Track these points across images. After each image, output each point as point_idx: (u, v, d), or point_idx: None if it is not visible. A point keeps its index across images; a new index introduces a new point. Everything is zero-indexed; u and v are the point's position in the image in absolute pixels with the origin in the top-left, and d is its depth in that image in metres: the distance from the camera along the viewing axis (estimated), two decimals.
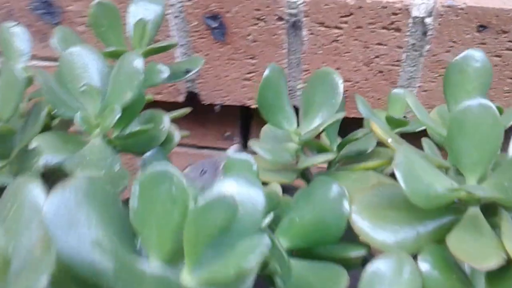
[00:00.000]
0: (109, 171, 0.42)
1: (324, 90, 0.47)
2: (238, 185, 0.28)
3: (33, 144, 0.42)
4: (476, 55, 0.43)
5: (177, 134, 0.52)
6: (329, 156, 0.44)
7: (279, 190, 0.41)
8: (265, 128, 0.51)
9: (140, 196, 0.28)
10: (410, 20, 0.66)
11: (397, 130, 0.52)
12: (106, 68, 0.46)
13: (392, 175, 0.34)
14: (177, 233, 0.27)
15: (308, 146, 0.48)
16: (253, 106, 0.79)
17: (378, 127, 0.40)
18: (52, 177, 0.41)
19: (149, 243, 0.27)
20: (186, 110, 0.61)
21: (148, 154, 0.51)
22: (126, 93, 0.45)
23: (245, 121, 0.89)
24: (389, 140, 0.39)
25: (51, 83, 0.44)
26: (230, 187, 0.27)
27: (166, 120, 0.50)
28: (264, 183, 0.43)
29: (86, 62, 0.45)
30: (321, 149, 0.47)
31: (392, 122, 0.52)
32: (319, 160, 0.43)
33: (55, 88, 0.44)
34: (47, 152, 0.42)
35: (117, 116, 0.43)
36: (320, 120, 0.47)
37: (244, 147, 0.89)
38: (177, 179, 0.28)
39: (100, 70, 0.46)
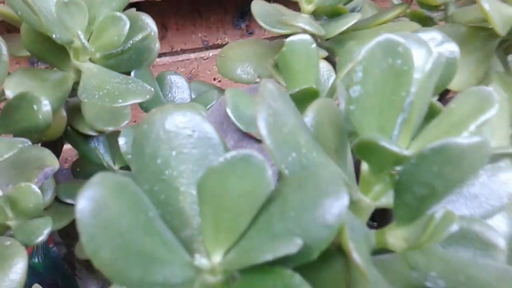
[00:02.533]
0: (126, 87, 0.37)
1: None
2: None
3: None
4: None
5: (158, 44, 0.47)
6: (357, 16, 0.41)
7: None
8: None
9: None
10: None
11: None
12: None
13: None
14: None
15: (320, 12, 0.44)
16: None
17: None
18: None
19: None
20: None
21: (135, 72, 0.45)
22: (114, 1, 0.38)
23: None
24: None
25: None
26: None
27: (151, 24, 0.44)
28: None
29: None
30: (338, 12, 0.43)
31: None
32: (350, 22, 0.40)
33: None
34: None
35: (126, 28, 0.36)
36: None
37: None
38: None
39: None
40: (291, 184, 0.22)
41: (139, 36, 0.40)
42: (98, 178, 0.20)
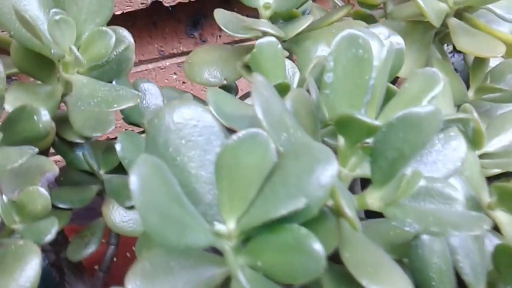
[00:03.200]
0: (117, 93, 0.40)
1: None
2: None
3: None
4: None
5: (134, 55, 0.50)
6: (310, 18, 0.46)
7: None
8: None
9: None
10: None
11: None
12: None
13: None
14: None
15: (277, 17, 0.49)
16: None
17: None
18: None
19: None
20: None
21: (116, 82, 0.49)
22: (100, 12, 0.41)
23: None
24: None
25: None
26: None
27: (128, 36, 0.47)
28: None
29: None
30: (292, 16, 0.48)
31: None
32: (305, 24, 0.45)
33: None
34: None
35: (113, 41, 0.40)
36: None
37: None
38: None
39: None
40: (289, 156, 0.27)
41: (122, 47, 0.44)
42: (141, 159, 0.24)
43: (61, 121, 0.50)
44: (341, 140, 0.31)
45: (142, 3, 0.72)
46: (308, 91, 0.35)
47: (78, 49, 0.42)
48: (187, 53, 0.88)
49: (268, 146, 0.26)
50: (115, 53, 0.43)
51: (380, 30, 0.39)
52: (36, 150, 0.38)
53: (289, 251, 0.25)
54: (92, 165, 0.51)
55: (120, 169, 0.53)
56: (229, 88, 0.58)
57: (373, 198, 0.30)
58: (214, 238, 0.27)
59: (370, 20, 0.53)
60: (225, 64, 0.54)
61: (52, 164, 0.43)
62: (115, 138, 0.48)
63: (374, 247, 0.30)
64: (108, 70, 0.47)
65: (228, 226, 0.27)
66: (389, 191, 0.29)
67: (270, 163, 0.26)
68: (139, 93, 0.40)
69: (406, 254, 0.32)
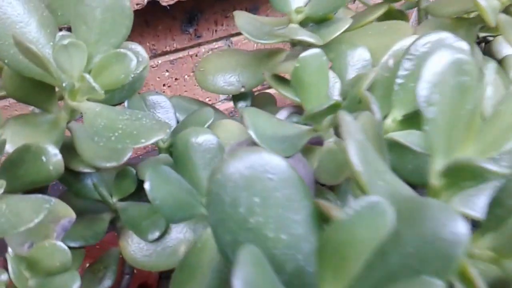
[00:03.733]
0: (141, 123, 0.34)
1: None
2: None
3: None
4: None
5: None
6: (349, 21, 0.40)
7: None
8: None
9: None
10: None
11: None
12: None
13: None
14: None
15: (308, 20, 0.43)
16: None
17: None
18: None
19: None
20: None
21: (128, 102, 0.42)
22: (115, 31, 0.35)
23: None
24: None
25: None
26: None
27: (142, 51, 0.41)
28: None
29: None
30: (326, 19, 0.42)
31: None
32: (343, 27, 0.39)
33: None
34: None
35: (133, 64, 0.33)
36: None
37: None
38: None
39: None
40: (400, 219, 0.22)
41: (140, 68, 0.37)
42: (242, 256, 0.18)
43: (65, 149, 0.43)
44: (435, 180, 0.26)
45: (137, 4, 0.64)
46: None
47: (89, 73, 0.35)
48: (180, 49, 0.81)
49: (388, 216, 0.20)
50: (132, 75, 0.36)
51: (444, 36, 0.33)
52: (53, 201, 0.32)
53: None
54: (105, 196, 0.44)
55: (134, 195, 0.47)
56: (245, 96, 0.52)
57: (482, 248, 0.25)
58: None
59: (401, 17, 0.47)
60: (243, 70, 0.48)
61: (67, 209, 0.36)
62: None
63: None
64: (120, 92, 0.40)
65: None
66: (502, 240, 0.24)
67: (387, 234, 0.21)
68: (167, 122, 0.34)
69: None
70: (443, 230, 0.20)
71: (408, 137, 0.35)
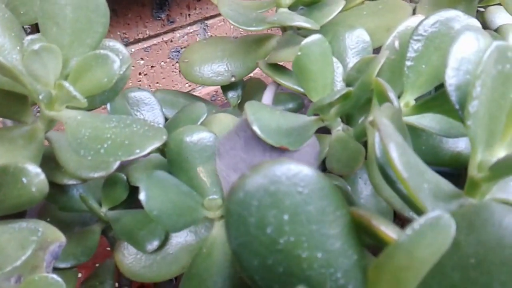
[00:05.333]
0: (131, 131, 0.31)
1: None
2: None
3: None
4: None
5: None
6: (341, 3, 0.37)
7: None
8: None
9: None
10: None
11: None
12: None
13: None
14: None
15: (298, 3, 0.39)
16: None
17: None
18: None
19: None
20: None
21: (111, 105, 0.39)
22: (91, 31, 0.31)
23: None
24: None
25: None
26: None
27: (122, 49, 0.37)
28: None
29: None
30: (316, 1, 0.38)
31: None
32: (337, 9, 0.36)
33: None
34: None
35: (116, 66, 0.30)
36: None
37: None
38: None
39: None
40: (459, 227, 0.19)
41: (123, 68, 0.33)
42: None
43: (44, 160, 0.39)
44: (474, 171, 0.23)
45: None
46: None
47: (65, 80, 0.31)
48: (154, 36, 0.76)
49: (450, 231, 0.17)
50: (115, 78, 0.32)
51: (456, 13, 0.30)
52: (41, 230, 0.28)
53: None
54: (94, 209, 0.40)
55: (125, 201, 0.43)
56: (236, 85, 0.48)
57: None
58: None
59: None
60: (231, 59, 0.44)
61: (55, 232, 0.32)
62: None
63: None
64: (101, 95, 0.36)
65: None
66: None
67: (446, 249, 0.18)
68: (162, 128, 0.30)
69: None
70: (509, 236, 0.18)
71: (422, 120, 0.33)
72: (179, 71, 0.82)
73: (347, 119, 0.37)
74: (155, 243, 0.38)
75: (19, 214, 0.34)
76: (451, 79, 0.24)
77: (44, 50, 0.28)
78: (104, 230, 0.44)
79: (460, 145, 0.35)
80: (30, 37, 0.28)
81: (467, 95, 0.22)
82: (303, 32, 0.41)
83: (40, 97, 0.30)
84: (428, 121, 0.33)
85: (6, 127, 0.35)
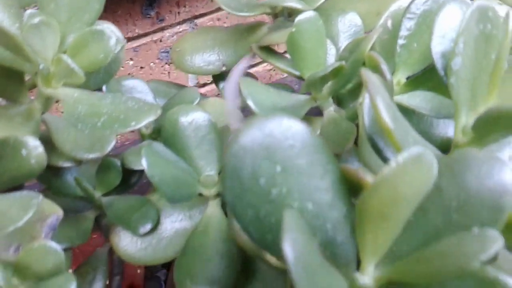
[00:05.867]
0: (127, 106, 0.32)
1: None
2: None
3: None
4: None
5: None
6: None
7: None
8: None
9: None
10: None
11: None
12: None
13: None
14: None
15: None
16: None
17: None
18: None
19: None
20: None
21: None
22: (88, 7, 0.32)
23: None
24: None
25: None
26: None
27: (116, 31, 0.38)
28: None
29: None
30: None
31: None
32: None
33: None
34: None
35: (112, 42, 0.31)
36: None
37: None
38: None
39: None
40: (440, 172, 0.20)
41: (118, 48, 0.34)
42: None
43: (41, 143, 0.40)
44: (464, 136, 0.24)
45: None
46: None
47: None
48: (143, 35, 0.78)
49: (433, 167, 0.19)
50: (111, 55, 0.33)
51: None
52: (41, 197, 0.29)
53: None
54: (89, 190, 0.41)
55: (119, 189, 0.44)
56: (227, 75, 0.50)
57: None
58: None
59: None
60: (222, 48, 0.46)
61: (53, 205, 0.33)
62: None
63: None
64: (96, 76, 0.37)
65: (372, 274, 0.20)
66: None
67: (429, 188, 0.19)
68: (156, 103, 0.31)
69: None
70: (488, 180, 0.19)
71: (413, 100, 0.34)
72: (169, 72, 0.83)
73: (339, 103, 0.39)
74: (148, 226, 0.39)
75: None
76: (437, 47, 0.25)
77: (44, 25, 0.29)
78: (97, 218, 0.45)
79: (450, 130, 0.36)
80: (29, 11, 0.30)
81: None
82: (295, 18, 0.43)
83: (40, 67, 0.30)
84: (418, 101, 0.34)
85: (2, 105, 0.36)
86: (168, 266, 0.75)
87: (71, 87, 0.35)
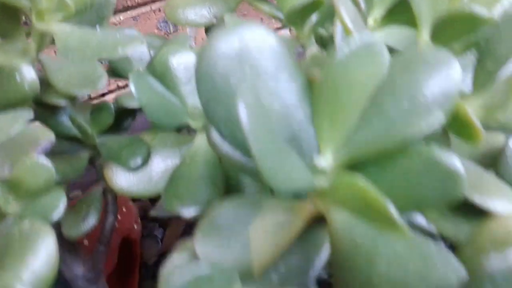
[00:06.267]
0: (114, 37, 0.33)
1: None
2: None
3: None
4: None
5: None
6: None
7: None
8: None
9: None
10: None
11: None
12: None
13: None
14: None
15: None
16: None
17: None
18: None
19: None
20: None
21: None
22: None
23: None
24: None
25: None
26: None
27: None
28: None
29: None
30: None
31: None
32: None
33: None
34: None
35: None
36: None
37: None
38: None
39: None
40: (395, 67, 0.22)
41: None
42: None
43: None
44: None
45: None
46: None
47: None
48: (143, 4, 0.79)
49: (384, 56, 0.20)
50: None
51: None
52: (31, 115, 0.31)
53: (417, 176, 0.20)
54: (83, 127, 0.43)
55: (113, 131, 0.46)
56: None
57: (474, 106, 0.25)
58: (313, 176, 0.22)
59: None
60: (213, 0, 0.47)
61: (46, 130, 0.35)
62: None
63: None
64: (89, 17, 0.39)
65: (331, 158, 0.22)
66: (493, 96, 0.25)
67: (381, 78, 0.21)
68: (143, 36, 0.33)
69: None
70: (437, 72, 0.21)
71: (389, 39, 0.35)
72: None
73: (323, 47, 0.40)
74: (138, 160, 0.41)
75: None
76: None
77: None
78: (91, 159, 0.47)
79: None
80: None
81: None
82: None
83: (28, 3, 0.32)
84: (394, 40, 0.35)
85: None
86: (165, 225, 0.78)
87: (66, 24, 0.37)
